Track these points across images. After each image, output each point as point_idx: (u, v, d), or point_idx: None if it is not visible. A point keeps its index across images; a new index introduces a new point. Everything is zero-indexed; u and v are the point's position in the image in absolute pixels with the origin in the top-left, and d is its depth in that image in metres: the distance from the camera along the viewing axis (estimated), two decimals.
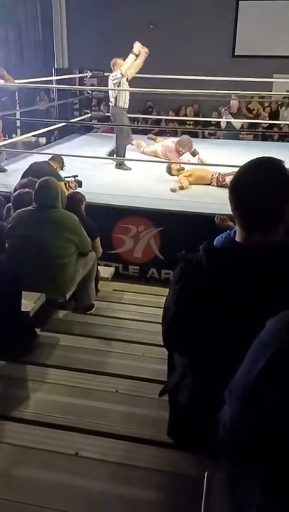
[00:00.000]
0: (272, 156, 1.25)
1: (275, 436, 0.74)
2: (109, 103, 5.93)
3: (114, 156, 5.93)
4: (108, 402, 1.93)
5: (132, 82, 6.27)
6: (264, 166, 1.21)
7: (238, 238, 1.25)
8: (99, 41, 9.59)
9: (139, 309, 3.46)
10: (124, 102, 5.75)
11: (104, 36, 9.68)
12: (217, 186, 5.11)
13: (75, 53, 8.66)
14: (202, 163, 5.61)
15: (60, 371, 2.16)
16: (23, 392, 1.95)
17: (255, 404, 0.77)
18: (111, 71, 5.84)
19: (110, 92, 5.78)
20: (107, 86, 5.95)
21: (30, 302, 2.52)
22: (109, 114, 8.73)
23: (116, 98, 5.70)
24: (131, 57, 5.74)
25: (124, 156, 5.84)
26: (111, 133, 8.74)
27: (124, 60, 5.74)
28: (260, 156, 1.26)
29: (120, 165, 5.76)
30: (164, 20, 9.57)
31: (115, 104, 5.74)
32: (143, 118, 9.27)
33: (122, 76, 5.59)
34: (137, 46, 5.77)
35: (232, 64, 9.22)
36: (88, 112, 8.53)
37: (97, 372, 2.20)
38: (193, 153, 5.92)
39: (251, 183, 1.19)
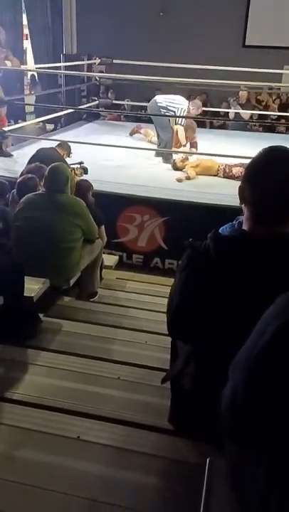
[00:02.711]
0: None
1: (277, 412, 0.74)
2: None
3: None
4: (110, 388, 1.94)
5: (140, 69, 6.22)
6: (280, 157, 1.19)
7: (246, 227, 1.24)
8: (108, 28, 9.48)
9: (142, 298, 3.46)
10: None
11: (114, 23, 9.57)
12: (224, 177, 5.08)
13: (84, 39, 8.57)
14: (207, 154, 5.54)
15: (62, 356, 2.18)
16: (25, 376, 1.97)
17: (257, 377, 0.77)
18: (120, 58, 5.75)
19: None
20: (116, 73, 5.87)
21: (34, 287, 2.52)
22: (116, 102, 8.71)
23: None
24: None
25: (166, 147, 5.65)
26: (118, 121, 8.71)
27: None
28: (270, 146, 1.25)
29: (167, 159, 5.55)
30: (175, 8, 9.44)
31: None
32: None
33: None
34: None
35: (242, 54, 9.11)
36: (96, 99, 8.47)
37: (100, 359, 2.21)
38: (192, 145, 5.85)
39: (268, 174, 1.18)
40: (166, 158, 5.55)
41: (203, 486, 0.99)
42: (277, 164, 1.18)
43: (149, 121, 7.10)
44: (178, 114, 5.49)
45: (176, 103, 5.53)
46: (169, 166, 5.36)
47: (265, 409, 0.76)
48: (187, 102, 5.57)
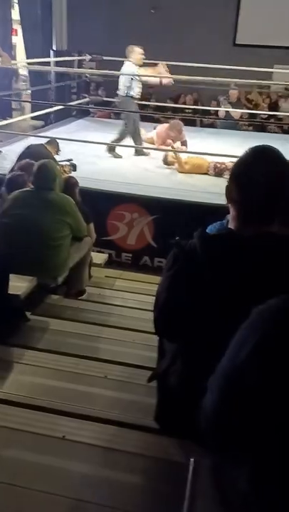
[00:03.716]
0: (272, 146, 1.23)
1: (256, 423, 0.74)
2: (118, 91, 5.70)
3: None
4: (97, 387, 1.93)
5: None
6: (266, 155, 1.19)
7: (233, 227, 1.24)
8: (99, 24, 9.43)
9: (130, 296, 3.45)
10: (137, 91, 5.52)
11: (105, 19, 9.52)
12: (214, 175, 5.08)
13: (75, 36, 8.51)
14: (198, 153, 5.56)
15: (49, 355, 2.16)
16: (11, 375, 1.95)
17: (237, 390, 0.77)
18: (110, 55, 5.72)
19: (122, 80, 5.52)
20: (107, 70, 5.83)
21: (21, 285, 2.50)
22: (107, 99, 8.66)
23: (128, 88, 5.45)
24: (146, 70, 5.58)
25: (141, 143, 5.68)
26: (108, 118, 8.68)
27: (140, 49, 5.50)
28: (257, 145, 1.25)
29: (111, 150, 5.58)
30: (166, 5, 9.42)
31: (126, 93, 5.49)
32: (139, 104, 9.16)
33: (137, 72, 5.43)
34: (138, 52, 5.51)
35: (233, 53, 9.12)
36: (86, 96, 8.42)
37: (87, 357, 2.20)
38: (183, 143, 5.85)
39: (255, 174, 1.17)
40: (111, 148, 5.59)
41: (187, 485, 0.99)
42: (263, 164, 1.18)
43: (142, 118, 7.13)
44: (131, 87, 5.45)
45: (128, 84, 5.47)
46: (156, 164, 5.36)
47: (242, 424, 0.77)
48: (136, 68, 5.45)
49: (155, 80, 5.80)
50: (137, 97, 5.58)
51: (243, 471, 0.78)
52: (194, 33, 9.17)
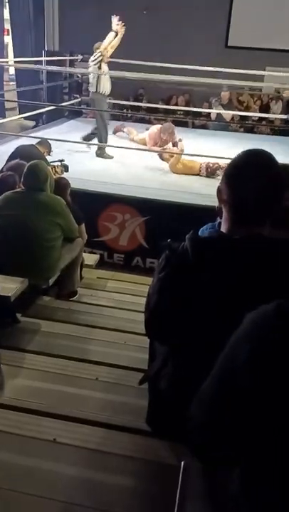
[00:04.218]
0: (263, 148, 1.24)
1: (250, 427, 0.74)
2: (89, 88, 5.73)
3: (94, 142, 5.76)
4: (88, 389, 1.92)
5: (123, 67, 6.19)
6: (258, 158, 1.20)
7: (224, 229, 1.24)
8: (91, 25, 9.38)
9: (122, 297, 3.45)
10: (105, 87, 5.54)
11: (97, 20, 9.47)
12: (207, 176, 5.09)
13: (68, 37, 8.50)
14: (189, 154, 5.57)
15: (40, 357, 2.15)
16: (1, 377, 1.93)
17: (233, 398, 0.76)
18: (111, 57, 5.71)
19: (90, 76, 5.59)
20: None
21: (12, 287, 2.48)
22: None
23: (97, 83, 5.48)
24: (111, 34, 5.51)
25: (105, 143, 5.69)
26: None
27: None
28: (249, 147, 1.25)
29: (101, 153, 5.59)
30: (159, 7, 9.43)
31: (96, 90, 5.54)
32: (131, 105, 9.17)
33: (102, 55, 5.40)
34: (114, 22, 5.53)
35: (225, 54, 9.15)
36: (78, 96, 8.40)
37: (78, 359, 2.19)
38: (174, 144, 5.87)
39: (246, 175, 1.17)
40: (100, 152, 5.60)
41: (178, 488, 0.99)
42: (256, 167, 1.18)
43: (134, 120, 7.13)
44: (98, 70, 5.46)
45: (92, 80, 5.53)
46: (148, 165, 5.37)
47: (236, 428, 0.76)
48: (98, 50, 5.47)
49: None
50: (106, 93, 5.59)
51: (234, 473, 0.78)
52: (187, 34, 9.19)
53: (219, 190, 1.24)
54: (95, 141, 5.76)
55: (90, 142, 5.75)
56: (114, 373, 2.07)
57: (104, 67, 5.55)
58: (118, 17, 5.58)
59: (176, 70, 6.30)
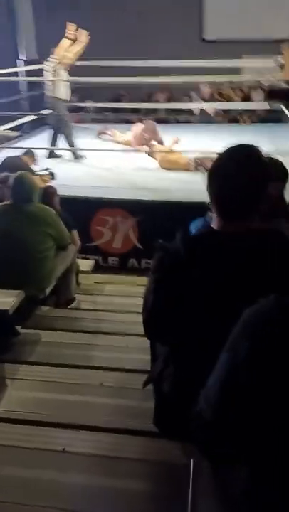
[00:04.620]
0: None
1: (256, 426, 0.74)
2: (45, 92, 5.66)
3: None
4: (93, 396, 1.92)
5: (102, 69, 6.17)
6: (240, 155, 1.20)
7: (214, 225, 1.24)
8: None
9: (120, 300, 3.45)
10: (62, 93, 5.47)
11: (73, 23, 9.46)
12: (195, 169, 5.07)
13: (45, 43, 8.45)
14: (173, 151, 5.56)
15: (42, 367, 2.15)
16: (4, 391, 1.93)
17: (236, 397, 0.76)
18: (84, 60, 5.70)
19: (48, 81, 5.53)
20: (77, 75, 5.80)
21: (9, 300, 2.48)
22: (80, 105, 8.63)
23: (54, 87, 5.41)
24: (65, 41, 5.45)
25: (74, 145, 5.64)
26: (83, 123, 8.65)
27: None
28: (234, 139, 1.26)
29: (77, 157, 5.55)
30: (132, 7, 9.42)
31: (54, 95, 5.47)
32: (112, 107, 9.16)
33: (59, 62, 5.36)
34: (70, 30, 5.47)
35: (201, 48, 9.16)
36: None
37: (81, 367, 2.19)
38: (159, 142, 5.86)
39: (228, 172, 1.18)
40: (76, 155, 5.57)
41: (189, 487, 0.99)
42: (236, 163, 1.18)
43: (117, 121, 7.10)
44: (52, 76, 5.43)
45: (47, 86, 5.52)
46: (135, 166, 5.37)
47: (241, 428, 0.76)
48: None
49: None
50: (66, 98, 5.56)
51: (242, 470, 0.78)
52: (162, 32, 9.19)
53: (207, 188, 1.24)
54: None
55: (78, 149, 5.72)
56: (118, 377, 2.07)
57: (63, 73, 5.50)
58: (75, 25, 5.54)
59: (154, 68, 6.30)
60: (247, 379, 0.73)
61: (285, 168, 1.89)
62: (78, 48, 5.55)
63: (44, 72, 5.53)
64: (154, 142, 5.75)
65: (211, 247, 1.17)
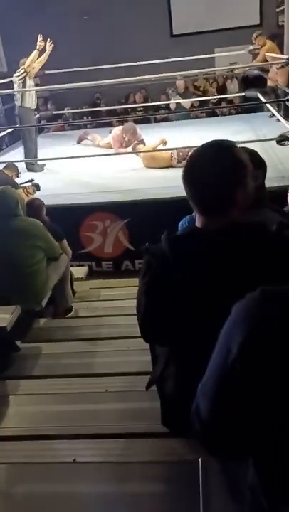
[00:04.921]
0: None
1: (254, 423, 0.74)
2: (15, 102, 5.74)
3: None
4: (99, 403, 1.92)
5: (76, 75, 6.17)
6: (211, 150, 1.21)
7: (197, 223, 1.25)
8: (34, 40, 9.35)
9: (118, 304, 3.44)
10: (32, 101, 5.60)
11: (40, 32, 9.44)
12: (178, 163, 5.08)
13: (13, 55, 8.43)
14: (154, 150, 5.56)
15: (45, 380, 2.14)
16: (9, 408, 1.92)
17: (232, 394, 0.76)
18: (51, 68, 5.71)
19: (16, 92, 5.64)
20: (49, 84, 5.82)
21: (5, 316, 2.47)
22: (57, 112, 8.62)
23: (22, 97, 5.53)
24: (34, 52, 5.60)
25: (36, 157, 5.70)
26: (63, 131, 8.63)
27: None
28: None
29: (32, 167, 5.57)
30: (97, 10, 9.41)
31: (21, 105, 5.58)
32: (90, 111, 9.16)
33: (26, 72, 5.48)
34: (38, 41, 5.63)
35: (172, 44, 9.18)
36: (36, 112, 8.34)
37: (84, 375, 2.19)
38: (140, 143, 5.86)
39: (201, 169, 1.19)
40: (31, 165, 5.60)
41: (200, 483, 0.99)
42: (209, 160, 1.19)
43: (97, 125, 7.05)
44: (22, 86, 5.51)
45: (16, 83, 5.57)
46: (117, 169, 5.37)
47: (240, 425, 0.76)
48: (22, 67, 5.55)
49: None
50: (33, 106, 5.68)
51: (249, 466, 0.78)
52: (131, 32, 9.19)
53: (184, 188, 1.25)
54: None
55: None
56: (122, 381, 2.07)
57: (30, 82, 5.62)
58: (41, 36, 5.66)
59: (127, 69, 6.30)
60: (241, 377, 0.73)
61: (260, 157, 1.90)
62: (42, 56, 5.71)
63: (13, 83, 5.57)
64: (134, 143, 5.76)
65: (195, 245, 1.18)
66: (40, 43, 5.59)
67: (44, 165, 5.64)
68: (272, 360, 0.70)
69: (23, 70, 5.47)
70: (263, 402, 0.72)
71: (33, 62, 5.55)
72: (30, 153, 5.66)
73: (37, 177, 4.82)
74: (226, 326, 0.79)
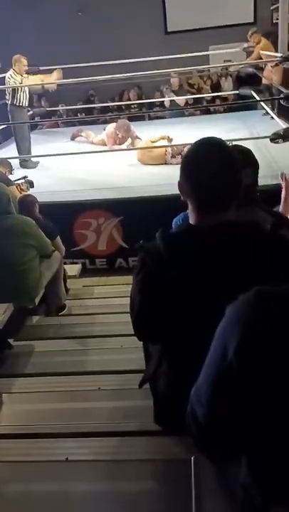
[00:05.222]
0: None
1: (250, 424, 0.73)
2: (6, 100, 5.72)
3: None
4: (92, 401, 1.91)
5: (68, 72, 6.13)
6: (212, 147, 1.20)
7: (191, 220, 1.24)
8: (30, 35, 9.30)
9: (111, 302, 3.44)
10: (21, 99, 5.58)
11: (34, 29, 9.39)
12: (172, 157, 5.07)
13: (7, 50, 8.37)
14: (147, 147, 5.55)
15: (38, 378, 2.13)
16: (1, 407, 1.90)
17: (228, 397, 0.75)
18: (46, 65, 5.67)
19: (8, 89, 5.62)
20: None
21: None
22: (51, 109, 8.57)
23: (13, 95, 5.51)
24: (38, 77, 5.67)
25: (29, 154, 5.68)
26: (57, 128, 8.59)
27: (25, 59, 5.60)
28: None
29: (25, 164, 5.56)
30: (92, 7, 9.37)
31: (12, 102, 5.56)
32: (84, 108, 9.11)
33: (20, 82, 5.50)
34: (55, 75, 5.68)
35: (166, 41, 9.16)
36: (29, 109, 8.29)
37: (77, 373, 2.18)
38: (134, 139, 5.85)
39: (204, 166, 1.18)
40: (23, 162, 5.60)
41: (192, 482, 0.99)
42: (210, 155, 1.19)
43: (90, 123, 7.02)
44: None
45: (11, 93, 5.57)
46: (111, 166, 5.35)
47: (236, 427, 0.75)
48: (19, 77, 5.55)
49: (38, 87, 6.05)
50: (24, 105, 5.67)
51: (241, 465, 0.78)
52: (125, 29, 9.17)
53: (180, 185, 1.24)
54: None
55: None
56: (115, 379, 2.06)
57: (20, 79, 5.59)
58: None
59: (122, 65, 6.28)
60: (238, 378, 0.72)
61: (253, 155, 1.90)
62: (44, 76, 5.82)
63: (6, 80, 5.54)
64: (129, 140, 5.75)
65: (190, 243, 1.17)
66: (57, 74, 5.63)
67: (38, 162, 5.61)
68: (269, 360, 0.69)
69: (19, 78, 5.45)
70: (259, 402, 0.71)
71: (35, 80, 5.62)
72: (23, 150, 5.62)
73: (30, 174, 4.78)
74: (220, 328, 0.78)
